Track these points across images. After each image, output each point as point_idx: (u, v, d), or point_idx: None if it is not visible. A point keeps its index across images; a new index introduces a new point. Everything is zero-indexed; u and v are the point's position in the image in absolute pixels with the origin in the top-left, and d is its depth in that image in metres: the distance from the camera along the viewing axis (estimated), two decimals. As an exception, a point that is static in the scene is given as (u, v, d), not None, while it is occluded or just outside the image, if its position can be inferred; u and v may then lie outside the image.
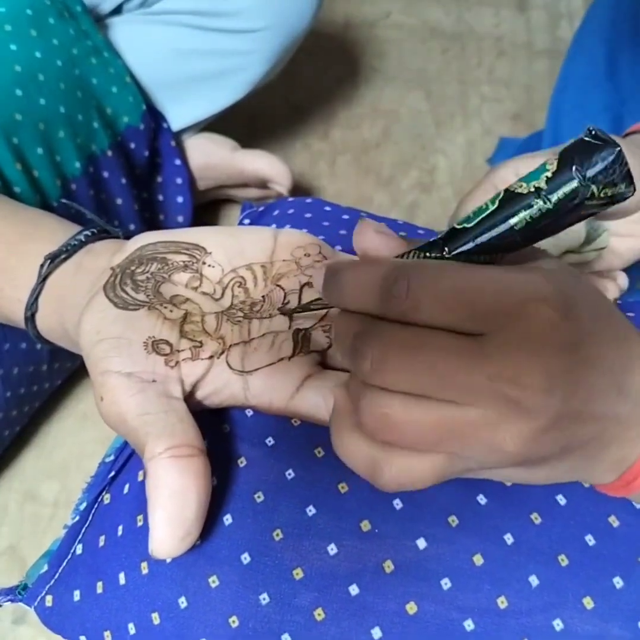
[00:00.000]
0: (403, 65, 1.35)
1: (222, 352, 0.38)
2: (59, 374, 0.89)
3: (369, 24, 1.41)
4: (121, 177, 0.87)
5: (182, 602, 0.37)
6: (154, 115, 0.92)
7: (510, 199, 0.28)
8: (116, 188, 0.87)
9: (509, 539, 0.36)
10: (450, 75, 1.34)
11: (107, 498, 0.42)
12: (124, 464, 0.43)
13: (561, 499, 0.38)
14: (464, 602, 0.35)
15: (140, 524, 0.39)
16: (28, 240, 0.45)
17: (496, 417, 0.28)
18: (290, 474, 0.38)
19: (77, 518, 0.43)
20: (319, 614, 0.36)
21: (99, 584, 0.39)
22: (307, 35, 0.95)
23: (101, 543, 0.40)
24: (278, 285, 0.41)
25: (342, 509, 0.37)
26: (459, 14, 1.43)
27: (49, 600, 0.41)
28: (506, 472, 0.32)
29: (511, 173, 0.52)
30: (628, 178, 0.26)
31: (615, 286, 0.50)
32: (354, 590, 0.36)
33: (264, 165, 0.99)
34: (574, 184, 0.26)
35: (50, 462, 0.92)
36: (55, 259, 0.43)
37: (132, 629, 0.38)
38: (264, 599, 0.36)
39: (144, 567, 0.38)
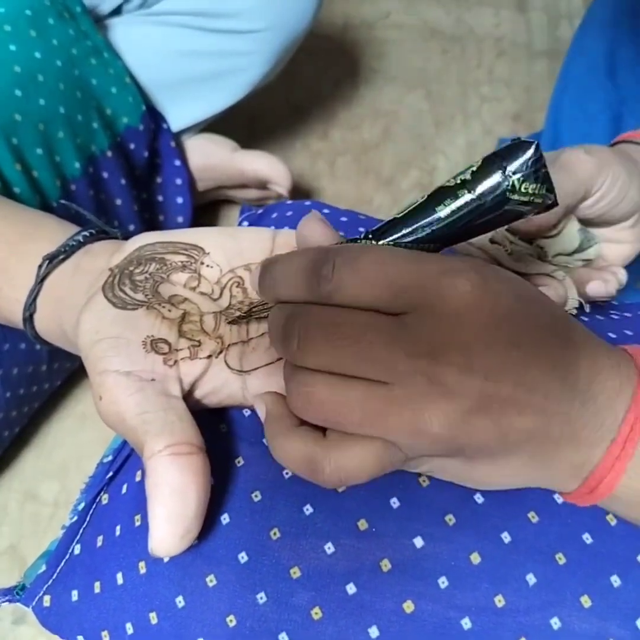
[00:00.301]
0: (403, 66, 1.35)
1: (221, 352, 0.38)
2: (59, 374, 0.89)
3: (369, 24, 1.41)
4: (121, 178, 0.87)
5: (180, 601, 0.37)
6: (154, 116, 0.92)
7: (438, 192, 0.30)
8: (116, 189, 0.87)
9: (506, 537, 0.36)
10: (450, 75, 1.34)
11: (105, 498, 0.42)
12: (122, 465, 0.43)
13: (558, 498, 0.37)
14: (462, 601, 0.35)
15: (138, 524, 0.39)
16: (27, 241, 0.45)
17: (419, 397, 0.29)
18: (287, 473, 0.38)
19: (75, 518, 0.43)
20: (316, 613, 0.35)
21: (97, 584, 0.39)
22: (307, 35, 0.95)
23: (99, 543, 0.40)
24: None
25: (339, 508, 0.37)
26: (459, 15, 1.43)
27: (47, 601, 0.41)
28: (452, 466, 0.33)
29: None
30: (548, 182, 0.29)
31: (614, 280, 0.50)
32: (351, 589, 0.36)
33: (263, 165, 0.99)
34: (497, 176, 0.29)
35: (50, 462, 0.93)
36: (53, 260, 0.43)
37: (130, 628, 0.38)
38: (261, 598, 0.36)
39: (142, 567, 0.38)
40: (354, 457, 0.31)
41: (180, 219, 1.00)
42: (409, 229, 0.31)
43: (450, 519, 0.37)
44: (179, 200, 0.99)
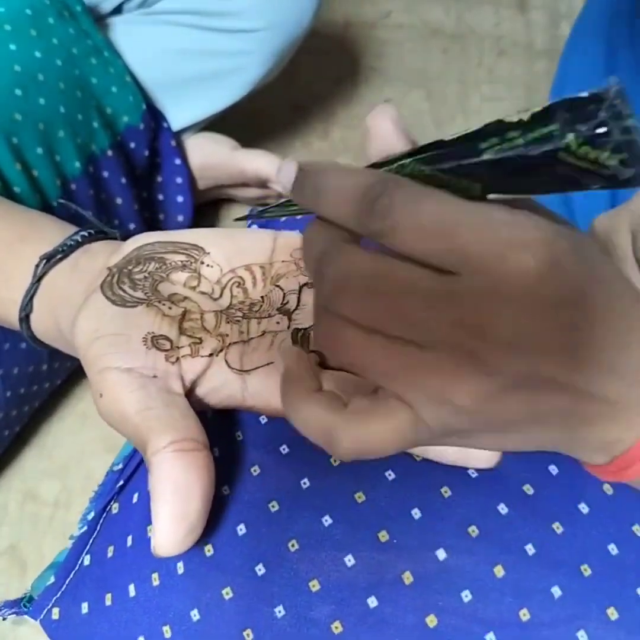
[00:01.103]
0: (403, 65, 1.35)
1: (222, 350, 0.38)
2: (59, 373, 0.88)
3: (369, 24, 1.40)
4: (121, 177, 0.87)
5: (195, 614, 0.36)
6: (154, 115, 0.92)
7: (493, 125, 0.25)
8: (116, 188, 0.87)
9: (530, 549, 0.36)
10: (450, 75, 1.34)
11: (115, 508, 0.42)
12: (132, 473, 0.42)
13: (583, 508, 0.37)
14: (485, 615, 0.35)
15: (150, 534, 0.38)
16: (24, 241, 0.45)
17: (453, 366, 0.27)
18: (305, 482, 0.38)
19: (85, 528, 0.42)
20: (337, 627, 0.35)
21: (108, 596, 0.38)
22: (307, 35, 0.95)
23: (110, 554, 0.40)
24: (277, 286, 0.41)
25: (359, 519, 0.37)
26: (459, 14, 1.42)
27: (55, 613, 0.40)
28: (473, 440, 0.31)
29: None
30: (626, 151, 0.22)
31: None
32: (372, 602, 0.35)
33: (263, 164, 0.99)
34: (553, 126, 0.23)
35: (50, 462, 0.92)
36: (50, 259, 0.42)
37: (142, 642, 0.37)
38: (279, 611, 0.35)
39: (155, 579, 0.37)
40: (376, 432, 0.29)
41: (180, 218, 1.00)
42: (453, 163, 0.27)
43: (473, 530, 0.36)
44: (180, 199, 0.99)
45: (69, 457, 0.92)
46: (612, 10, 0.98)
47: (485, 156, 0.25)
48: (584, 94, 0.22)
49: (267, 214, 0.37)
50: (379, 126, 0.31)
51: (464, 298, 0.26)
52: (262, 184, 1.02)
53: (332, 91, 1.30)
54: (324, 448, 0.30)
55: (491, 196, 0.28)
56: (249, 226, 0.58)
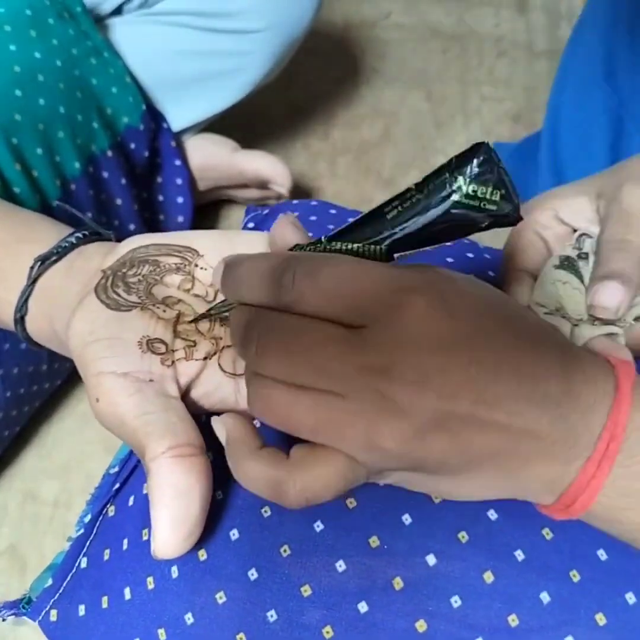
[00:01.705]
0: (403, 66, 1.35)
1: (215, 353, 0.38)
2: (59, 373, 0.89)
3: (369, 24, 1.41)
4: (121, 178, 0.87)
5: (189, 618, 0.36)
6: (154, 116, 0.92)
7: (393, 197, 0.29)
8: (116, 188, 0.87)
9: (520, 555, 0.36)
10: (450, 75, 1.34)
11: (111, 510, 0.42)
12: (128, 476, 0.43)
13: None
14: (475, 620, 0.35)
15: (145, 537, 0.39)
16: (20, 242, 0.45)
17: (372, 411, 0.28)
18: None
19: (82, 531, 0.42)
20: (328, 631, 0.35)
21: (105, 599, 0.39)
22: (307, 35, 0.95)
23: (106, 557, 0.40)
24: None
25: (350, 524, 0.37)
26: (459, 15, 1.43)
27: (53, 615, 0.40)
28: (416, 479, 0.32)
29: (550, 217, 0.49)
30: (502, 188, 0.27)
31: None
32: (363, 607, 0.35)
33: (264, 165, 0.99)
34: (444, 175, 0.27)
35: (50, 462, 0.93)
36: (45, 261, 0.43)
37: (138, 644, 0.37)
38: (271, 616, 0.35)
39: (150, 582, 0.37)
40: (318, 477, 0.30)
41: (180, 219, 1.00)
42: (364, 234, 0.31)
43: (463, 536, 0.36)
44: (180, 199, 0.99)
45: (69, 457, 0.93)
46: (612, 11, 0.97)
47: (389, 216, 0.29)
48: (463, 151, 0.27)
49: (213, 311, 0.38)
50: (282, 235, 0.35)
51: (369, 345, 0.28)
52: (262, 184, 1.02)
53: (332, 92, 1.30)
54: (273, 500, 0.31)
55: (396, 255, 0.31)
56: (246, 224, 0.59)
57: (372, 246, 0.31)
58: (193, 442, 0.35)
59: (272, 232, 0.35)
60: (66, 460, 0.93)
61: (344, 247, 0.32)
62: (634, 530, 0.32)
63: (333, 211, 0.57)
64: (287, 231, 0.35)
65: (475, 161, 0.27)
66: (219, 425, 0.35)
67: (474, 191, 0.27)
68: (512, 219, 0.28)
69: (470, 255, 0.52)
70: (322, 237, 0.33)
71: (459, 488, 0.32)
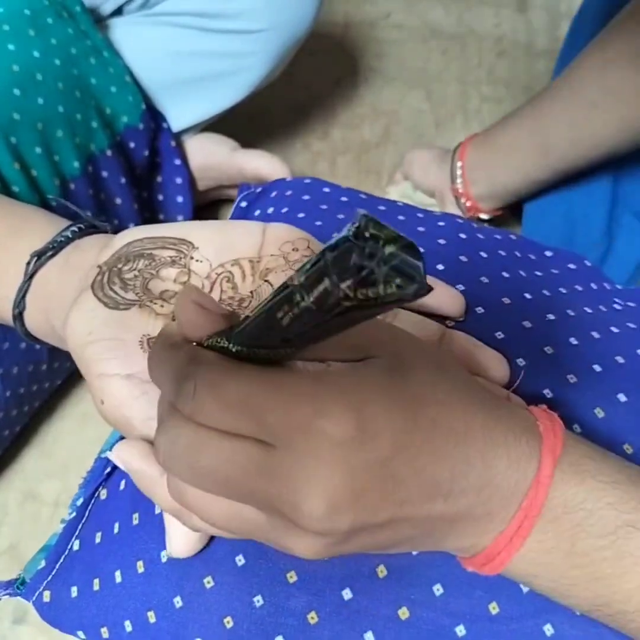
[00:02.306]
0: (403, 66, 1.36)
1: None
2: (59, 373, 0.89)
3: (369, 24, 1.41)
4: (121, 177, 0.87)
5: (178, 601, 0.37)
6: (154, 115, 0.92)
7: (283, 292, 0.25)
8: (115, 188, 0.87)
9: (501, 544, 0.37)
10: (450, 75, 1.34)
11: (103, 494, 0.43)
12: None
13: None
14: (456, 608, 0.36)
15: (136, 522, 0.40)
16: (16, 236, 0.45)
17: (283, 527, 0.28)
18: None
19: (74, 514, 0.43)
20: (313, 617, 0.36)
21: (96, 581, 0.40)
22: (307, 36, 0.95)
23: (98, 540, 0.41)
24: (266, 281, 0.41)
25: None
26: (459, 14, 1.43)
27: (47, 596, 0.41)
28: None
29: None
30: (396, 276, 0.22)
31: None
32: (347, 594, 0.36)
33: (263, 165, 0.99)
34: (326, 282, 0.22)
35: (50, 462, 0.92)
36: (41, 256, 0.43)
37: (128, 626, 0.38)
38: (258, 601, 0.36)
39: (140, 566, 0.38)
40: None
41: (180, 218, 1.00)
42: (257, 335, 0.27)
43: (446, 525, 0.37)
44: (179, 199, 0.99)
45: (69, 457, 0.93)
46: (608, 10, 0.98)
47: (284, 322, 0.25)
48: (339, 238, 0.22)
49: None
50: (186, 313, 0.31)
51: (280, 474, 0.27)
52: (262, 183, 1.03)
53: (332, 91, 1.31)
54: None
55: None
56: (239, 203, 0.59)
57: (282, 349, 0.27)
58: None
59: (179, 308, 0.31)
60: (66, 460, 0.93)
61: (251, 350, 0.28)
62: (544, 592, 0.32)
63: (326, 189, 0.57)
64: (190, 318, 0.31)
65: (354, 267, 0.22)
66: (116, 459, 0.35)
67: (364, 295, 0.22)
68: (421, 294, 0.22)
69: (462, 236, 0.52)
70: (226, 340, 0.29)
71: (381, 555, 0.33)
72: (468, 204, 0.98)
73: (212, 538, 0.38)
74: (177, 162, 0.97)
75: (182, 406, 0.28)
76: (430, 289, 0.22)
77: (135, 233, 0.42)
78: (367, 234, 0.21)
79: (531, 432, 0.31)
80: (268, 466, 0.27)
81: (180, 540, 0.34)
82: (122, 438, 0.45)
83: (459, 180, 0.98)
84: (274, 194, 0.58)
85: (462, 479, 0.29)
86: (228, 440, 0.27)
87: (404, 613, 0.36)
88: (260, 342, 0.27)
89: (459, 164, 0.98)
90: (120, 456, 0.35)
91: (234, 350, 0.29)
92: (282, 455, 0.27)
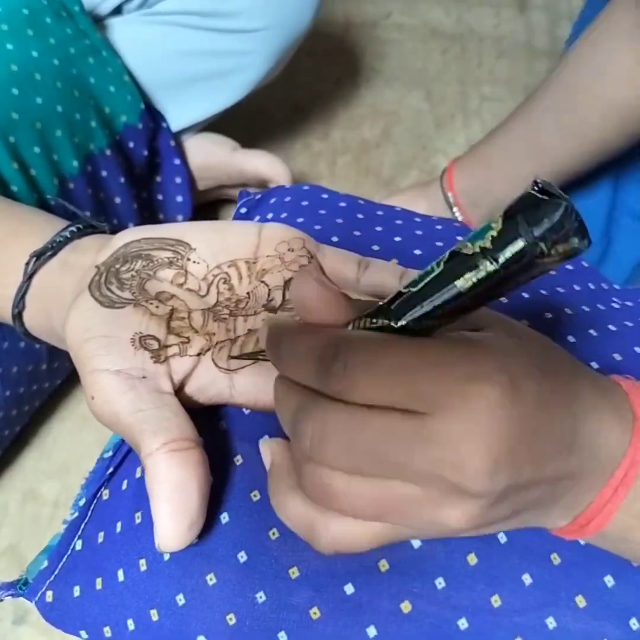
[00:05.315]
0: (403, 66, 1.36)
1: (209, 349, 0.39)
2: (59, 373, 0.89)
3: (370, 24, 1.41)
4: (120, 177, 0.87)
5: (180, 599, 0.37)
6: (153, 115, 0.92)
7: (456, 261, 0.26)
8: (115, 187, 0.88)
9: (502, 538, 0.37)
10: (450, 75, 1.35)
11: (105, 494, 0.43)
12: (122, 460, 0.43)
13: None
14: (458, 601, 0.36)
15: (138, 521, 0.40)
16: (15, 237, 0.45)
17: (439, 496, 0.28)
18: (286, 473, 0.39)
19: (76, 514, 0.43)
20: (315, 612, 0.36)
21: (98, 580, 0.39)
22: (307, 35, 0.96)
23: (100, 539, 0.41)
24: (262, 282, 0.41)
25: (337, 508, 0.38)
26: (459, 15, 1.43)
27: (49, 596, 0.41)
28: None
29: None
30: (580, 232, 0.24)
31: None
32: (349, 589, 0.36)
33: (263, 165, 0.99)
34: (520, 243, 0.24)
35: (50, 462, 0.93)
36: (40, 257, 0.43)
37: (131, 625, 0.38)
38: (260, 597, 0.36)
39: (143, 564, 0.38)
40: (351, 533, 0.31)
41: (180, 218, 1.00)
42: (429, 307, 0.27)
43: (447, 519, 0.37)
44: (179, 199, 0.99)
45: (69, 457, 0.93)
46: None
47: (462, 289, 0.26)
48: (529, 193, 0.24)
49: (246, 355, 0.38)
50: (304, 296, 0.31)
51: (436, 437, 0.27)
52: (262, 184, 1.03)
53: (333, 92, 1.31)
54: (306, 540, 0.32)
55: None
56: (239, 209, 0.59)
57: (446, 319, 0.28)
58: (188, 436, 0.35)
59: (294, 293, 0.31)
60: (66, 460, 0.93)
61: (408, 324, 0.29)
62: (635, 550, 0.33)
63: (325, 195, 0.57)
64: (312, 294, 0.31)
65: (558, 224, 0.23)
66: (265, 449, 0.36)
67: (556, 251, 0.24)
68: (585, 251, 0.25)
69: (460, 239, 0.53)
70: (373, 311, 0.30)
71: (485, 532, 0.32)
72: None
73: (213, 535, 0.38)
74: (177, 161, 0.97)
75: (334, 386, 0.28)
76: (590, 243, 0.24)
77: (133, 234, 0.43)
78: (555, 194, 0.23)
79: (619, 391, 0.33)
80: (427, 433, 0.27)
81: (169, 532, 0.34)
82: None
83: (454, 210, 0.94)
84: (273, 200, 0.58)
85: (580, 434, 0.30)
86: (387, 414, 0.28)
87: (406, 607, 0.36)
88: (420, 313, 0.28)
89: (449, 194, 0.94)
90: (271, 448, 0.35)
91: (396, 326, 0.29)
92: (439, 420, 0.27)
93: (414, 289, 0.28)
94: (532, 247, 0.23)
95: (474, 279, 0.25)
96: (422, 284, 0.27)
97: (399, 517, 0.30)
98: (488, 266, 0.25)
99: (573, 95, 0.81)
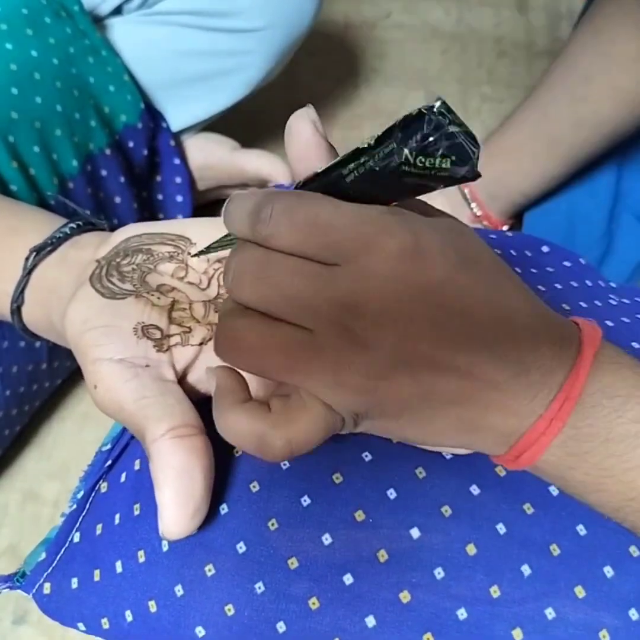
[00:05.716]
0: (403, 66, 1.35)
1: (211, 339, 0.39)
2: (59, 373, 0.89)
3: (369, 24, 1.41)
4: (120, 176, 0.87)
5: (179, 590, 0.37)
6: (153, 115, 0.92)
7: (353, 153, 0.29)
8: (115, 187, 0.88)
9: (501, 528, 0.37)
10: (450, 75, 1.35)
11: (104, 486, 0.43)
12: (120, 453, 0.44)
13: (554, 490, 0.38)
14: (457, 591, 0.36)
15: (137, 513, 0.40)
16: (15, 233, 0.45)
17: (340, 347, 0.29)
18: (285, 464, 0.39)
19: (75, 506, 0.43)
20: (314, 602, 0.36)
21: (96, 572, 0.40)
22: (307, 35, 0.95)
23: (98, 531, 0.41)
24: None
25: (336, 499, 0.38)
26: (459, 15, 1.43)
27: (47, 588, 0.41)
28: (383, 425, 0.33)
29: None
30: (457, 156, 0.26)
31: None
32: (348, 579, 0.36)
33: (264, 164, 0.99)
34: (391, 145, 0.27)
35: (51, 462, 0.93)
36: (40, 252, 0.43)
37: (129, 616, 0.38)
38: (259, 587, 0.36)
39: (141, 556, 0.38)
40: (300, 430, 0.31)
41: (180, 218, 1.00)
42: (328, 193, 0.31)
43: (446, 510, 0.37)
44: (179, 198, 0.99)
45: (69, 457, 0.93)
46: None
47: (348, 179, 0.29)
48: (414, 111, 0.27)
49: (213, 247, 0.38)
50: (300, 128, 0.33)
51: (339, 281, 0.29)
52: (262, 184, 1.03)
53: (333, 92, 1.31)
54: (257, 454, 0.31)
55: None
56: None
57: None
58: (191, 423, 0.35)
59: (289, 126, 0.34)
60: (66, 460, 0.93)
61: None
62: (576, 488, 0.33)
63: None
64: (303, 131, 0.33)
65: (419, 134, 0.26)
66: (210, 375, 0.35)
67: (422, 163, 0.27)
68: (469, 178, 0.27)
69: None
70: (295, 185, 0.33)
71: (421, 434, 0.33)
72: (485, 223, 0.96)
73: (212, 526, 0.38)
74: (177, 161, 0.97)
75: (259, 231, 0.30)
76: (477, 176, 0.27)
77: (133, 229, 0.43)
78: (436, 112, 0.26)
79: (569, 324, 0.33)
80: (333, 279, 0.29)
81: (173, 518, 0.34)
82: (123, 431, 0.45)
83: (472, 205, 0.95)
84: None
85: (508, 338, 0.30)
86: (297, 258, 0.30)
87: (405, 596, 0.36)
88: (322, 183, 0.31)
89: (466, 191, 0.95)
90: (216, 373, 0.35)
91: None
92: (347, 269, 0.29)
93: (319, 170, 0.31)
94: (399, 151, 0.27)
95: (355, 172, 0.29)
96: (328, 165, 0.31)
97: (303, 369, 0.30)
98: (366, 160, 0.28)
99: (582, 86, 0.81)
